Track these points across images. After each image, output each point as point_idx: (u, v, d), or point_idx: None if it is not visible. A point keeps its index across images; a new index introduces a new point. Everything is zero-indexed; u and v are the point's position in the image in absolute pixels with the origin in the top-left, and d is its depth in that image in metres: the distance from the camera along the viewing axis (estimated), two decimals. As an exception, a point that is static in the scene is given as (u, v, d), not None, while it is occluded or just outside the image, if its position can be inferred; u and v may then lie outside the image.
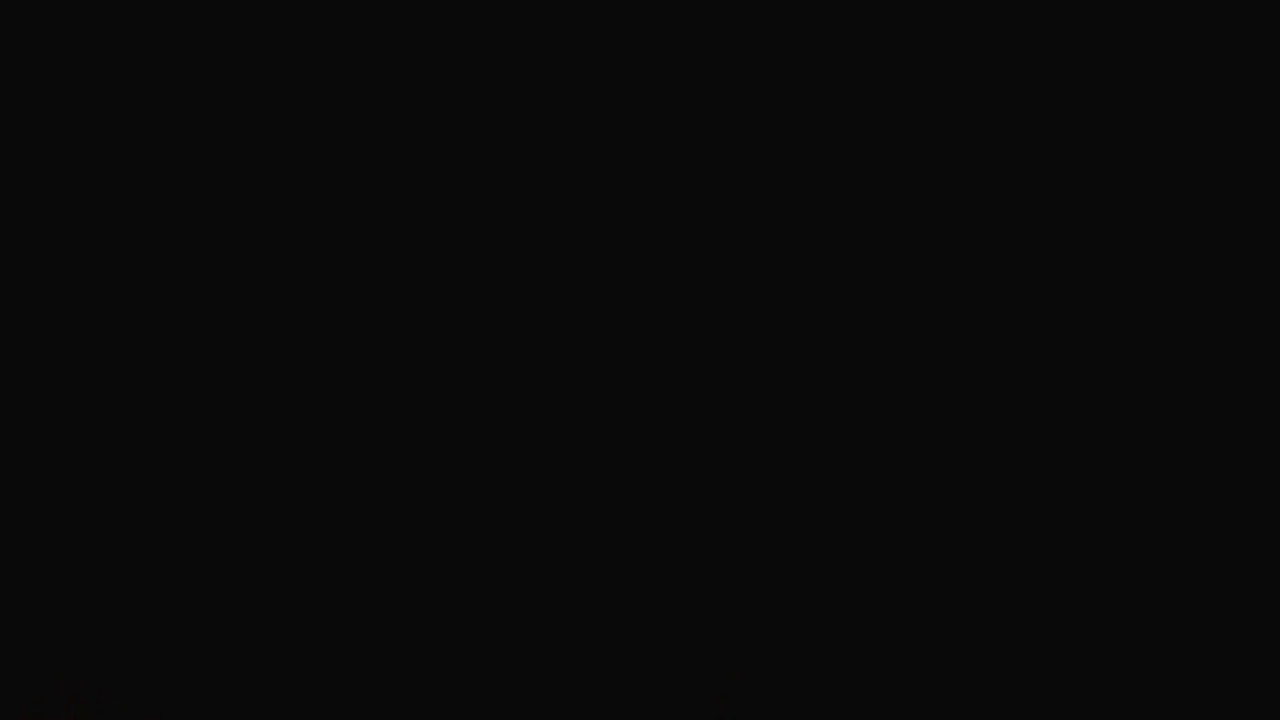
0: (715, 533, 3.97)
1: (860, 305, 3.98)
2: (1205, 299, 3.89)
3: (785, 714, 3.84)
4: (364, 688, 3.93)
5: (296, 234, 4.08)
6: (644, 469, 3.99)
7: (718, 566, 3.96)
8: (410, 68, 4.06)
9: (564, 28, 4.03)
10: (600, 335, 4.03)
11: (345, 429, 4.05)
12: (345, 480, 4.04)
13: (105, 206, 4.10)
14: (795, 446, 3.97)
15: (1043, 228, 3.94)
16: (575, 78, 4.04)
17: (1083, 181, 3.94)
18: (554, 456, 4.02)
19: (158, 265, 4.09)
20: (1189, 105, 3.90)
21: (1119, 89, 3.92)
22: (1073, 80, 3.93)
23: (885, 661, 3.87)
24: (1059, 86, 3.94)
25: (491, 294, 4.05)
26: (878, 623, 3.90)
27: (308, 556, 4.03)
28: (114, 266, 4.09)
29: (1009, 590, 3.88)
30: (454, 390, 4.05)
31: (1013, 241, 3.95)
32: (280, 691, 3.93)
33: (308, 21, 4.05)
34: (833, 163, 4.00)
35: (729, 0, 4.00)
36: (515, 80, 4.05)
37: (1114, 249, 3.92)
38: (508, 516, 4.02)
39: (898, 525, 3.93)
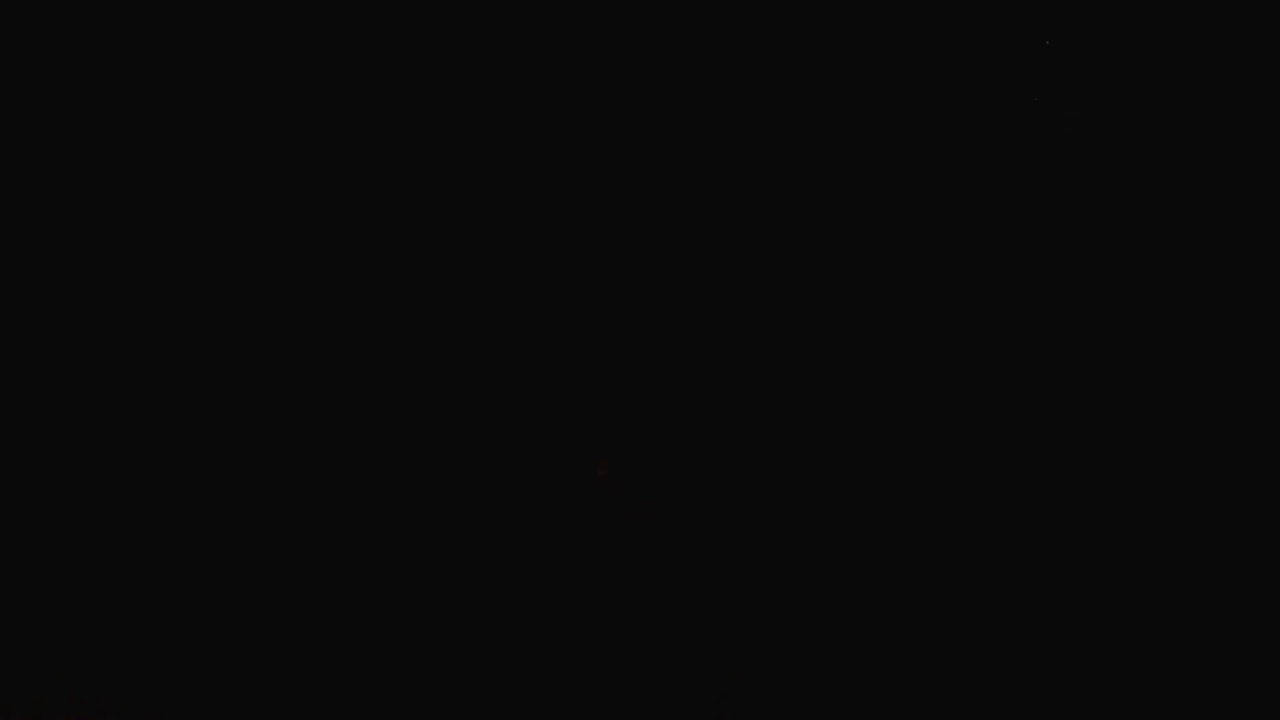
0: (715, 534, 3.98)
1: (856, 305, 4.00)
2: (1205, 298, 3.91)
3: (785, 714, 3.85)
4: (364, 687, 3.93)
5: (295, 233, 4.09)
6: (644, 470, 4.00)
7: (718, 567, 3.97)
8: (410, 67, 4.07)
9: (564, 27, 4.05)
10: (601, 334, 4.04)
11: (344, 428, 4.06)
12: (344, 480, 4.05)
13: (105, 206, 4.10)
14: (795, 448, 3.98)
15: (1042, 227, 3.96)
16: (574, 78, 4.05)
17: (1083, 181, 3.96)
18: (554, 457, 4.02)
19: (158, 264, 4.09)
20: (1190, 105, 3.92)
21: (1119, 89, 3.94)
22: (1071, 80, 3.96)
23: (885, 661, 3.88)
24: (1056, 87, 3.96)
25: (490, 293, 4.06)
26: (878, 623, 3.90)
27: (308, 556, 4.03)
28: (114, 265, 4.09)
29: (1008, 590, 3.89)
30: (452, 390, 4.05)
31: (1012, 241, 3.97)
32: (280, 691, 3.93)
33: (308, 21, 4.07)
34: (832, 162, 4.02)
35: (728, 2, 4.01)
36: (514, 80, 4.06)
37: (1113, 249, 3.94)
38: (508, 517, 4.02)
39: (896, 525, 3.94)
